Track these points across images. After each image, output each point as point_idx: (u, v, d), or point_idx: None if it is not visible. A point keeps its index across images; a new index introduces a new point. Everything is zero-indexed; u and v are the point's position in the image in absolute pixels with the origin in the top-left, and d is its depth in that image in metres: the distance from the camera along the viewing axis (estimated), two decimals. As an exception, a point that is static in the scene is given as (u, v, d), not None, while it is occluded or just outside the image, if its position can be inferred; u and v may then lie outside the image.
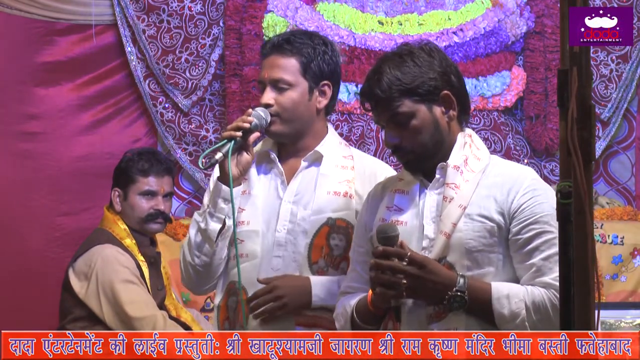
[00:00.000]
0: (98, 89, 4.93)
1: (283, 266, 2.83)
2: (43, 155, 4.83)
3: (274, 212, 2.85)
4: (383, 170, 2.95)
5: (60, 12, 4.87)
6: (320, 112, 2.91)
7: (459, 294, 2.44)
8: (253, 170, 2.89)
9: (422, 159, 2.57)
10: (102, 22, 4.92)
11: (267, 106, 2.83)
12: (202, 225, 2.83)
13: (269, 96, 2.85)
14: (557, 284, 2.34)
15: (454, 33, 4.92)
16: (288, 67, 2.86)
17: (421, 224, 2.56)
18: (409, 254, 2.45)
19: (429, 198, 2.58)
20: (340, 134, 4.95)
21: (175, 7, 4.90)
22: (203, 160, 2.78)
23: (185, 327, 3.90)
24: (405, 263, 2.44)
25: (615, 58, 5.01)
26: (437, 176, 2.58)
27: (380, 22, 4.95)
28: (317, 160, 2.90)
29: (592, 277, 1.82)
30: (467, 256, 2.50)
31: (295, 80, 2.86)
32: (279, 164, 2.89)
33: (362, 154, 3.07)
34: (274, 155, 2.89)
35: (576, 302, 1.83)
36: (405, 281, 2.43)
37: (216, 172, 2.89)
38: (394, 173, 2.92)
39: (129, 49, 4.91)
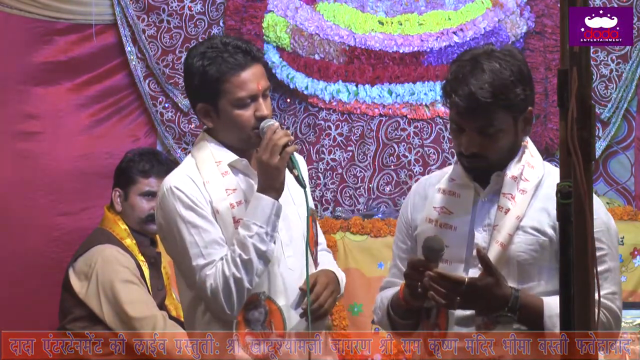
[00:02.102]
0: (98, 88, 4.93)
1: (297, 263, 2.86)
2: (42, 155, 4.83)
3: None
4: (301, 159, 3.04)
5: (60, 11, 4.87)
6: None
7: (509, 315, 2.46)
8: (235, 179, 2.86)
9: (490, 169, 2.57)
10: (102, 22, 4.92)
11: (266, 117, 2.84)
12: (262, 247, 2.74)
13: (267, 106, 2.85)
14: (607, 301, 2.38)
15: (454, 33, 4.92)
16: (265, 73, 2.88)
17: (472, 230, 2.56)
18: (466, 281, 2.44)
19: (483, 206, 2.58)
20: (340, 134, 4.96)
21: (175, 7, 4.91)
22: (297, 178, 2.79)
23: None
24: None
25: (615, 58, 5.01)
26: (492, 184, 2.57)
27: (380, 22, 4.95)
28: None
29: (592, 277, 1.81)
30: (518, 269, 2.51)
31: (269, 85, 2.90)
32: (252, 169, 2.88)
33: None
34: (245, 162, 2.87)
35: (576, 302, 1.83)
36: (459, 299, 2.44)
37: (216, 193, 2.83)
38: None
39: (129, 48, 4.91)
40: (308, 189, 2.90)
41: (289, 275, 2.84)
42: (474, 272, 2.51)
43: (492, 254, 2.50)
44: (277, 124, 2.80)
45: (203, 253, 2.78)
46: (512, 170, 2.56)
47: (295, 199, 2.89)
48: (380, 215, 4.77)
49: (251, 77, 2.83)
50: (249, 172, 2.87)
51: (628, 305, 4.52)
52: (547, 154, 4.97)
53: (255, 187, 2.82)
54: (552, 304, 2.47)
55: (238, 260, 2.73)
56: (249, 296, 2.80)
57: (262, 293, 2.82)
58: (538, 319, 2.47)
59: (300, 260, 2.86)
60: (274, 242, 2.76)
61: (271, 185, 2.75)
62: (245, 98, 2.82)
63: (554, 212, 2.51)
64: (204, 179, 2.84)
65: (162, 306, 3.93)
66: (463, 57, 2.57)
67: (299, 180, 2.78)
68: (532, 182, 2.56)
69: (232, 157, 2.86)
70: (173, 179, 2.86)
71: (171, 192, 2.82)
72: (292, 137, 2.78)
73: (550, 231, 2.52)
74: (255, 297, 2.82)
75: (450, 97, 2.52)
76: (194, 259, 2.78)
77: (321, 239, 3.05)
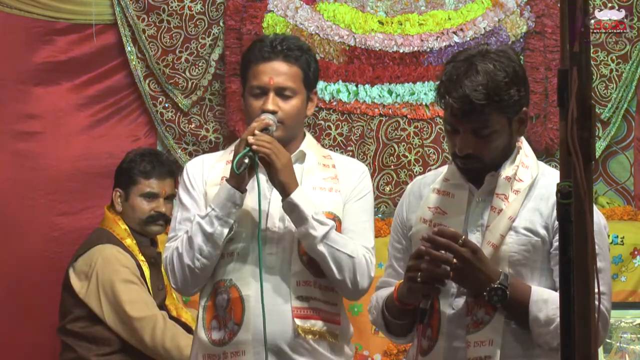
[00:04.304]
0: (98, 88, 4.92)
1: (276, 262, 2.87)
2: (42, 155, 4.82)
3: (262, 210, 2.86)
4: (360, 167, 3.04)
5: (60, 11, 4.87)
6: (306, 118, 3.01)
7: (501, 287, 2.45)
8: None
9: (484, 170, 2.57)
10: (102, 22, 4.92)
11: (272, 113, 2.85)
12: (208, 229, 2.81)
13: (275, 102, 2.86)
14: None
15: (454, 33, 4.92)
16: (293, 75, 2.90)
17: (465, 231, 2.56)
18: (463, 236, 2.46)
19: (476, 206, 2.58)
20: (340, 134, 4.96)
21: (175, 7, 4.90)
22: (236, 165, 2.76)
23: (186, 327, 3.90)
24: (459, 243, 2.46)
25: (615, 58, 5.01)
26: (486, 184, 2.57)
27: (380, 22, 4.95)
28: (300, 159, 2.94)
29: (592, 277, 1.81)
30: (510, 269, 2.51)
31: (298, 89, 2.90)
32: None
33: (338, 154, 3.15)
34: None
35: (576, 302, 1.83)
36: (455, 260, 2.44)
37: (192, 177, 2.95)
38: (366, 168, 2.99)
39: (129, 48, 4.91)
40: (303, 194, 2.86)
41: (264, 271, 2.83)
42: None
43: (485, 254, 2.50)
44: (263, 116, 2.83)
45: (175, 228, 2.93)
46: (506, 170, 2.56)
47: None
48: (380, 216, 4.76)
49: (267, 70, 2.88)
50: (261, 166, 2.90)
51: (628, 305, 4.52)
52: (547, 154, 4.97)
53: (264, 180, 2.86)
54: (538, 291, 2.49)
55: (185, 236, 2.85)
56: (218, 282, 2.86)
57: (229, 280, 2.85)
58: (524, 303, 2.47)
59: (282, 259, 2.86)
60: (229, 228, 2.81)
61: (230, 173, 2.83)
62: (255, 87, 2.89)
63: (546, 212, 2.53)
64: (213, 164, 2.95)
65: (162, 306, 3.93)
66: (457, 57, 2.56)
67: (245, 169, 2.77)
68: (526, 183, 2.56)
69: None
70: (191, 160, 3.07)
71: (183, 170, 3.01)
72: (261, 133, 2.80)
73: (542, 231, 2.53)
74: (222, 283, 2.87)
75: (444, 99, 2.52)
76: (170, 232, 2.95)
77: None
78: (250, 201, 2.87)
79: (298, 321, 2.84)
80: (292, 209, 2.80)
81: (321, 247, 2.80)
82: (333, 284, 2.87)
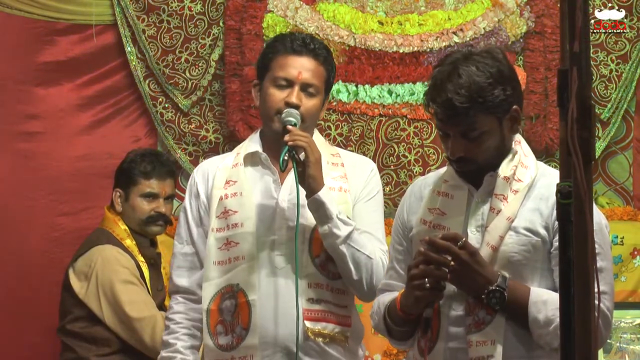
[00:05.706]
0: (98, 89, 4.92)
1: (285, 263, 2.85)
2: (43, 155, 4.83)
3: (269, 212, 2.85)
4: (369, 164, 3.02)
5: (60, 12, 4.87)
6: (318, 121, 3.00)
7: (499, 289, 2.44)
8: (243, 171, 2.87)
9: (481, 171, 2.56)
10: (102, 22, 4.92)
11: (296, 107, 2.84)
12: None
13: (299, 97, 2.85)
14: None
15: (454, 33, 4.92)
16: (320, 74, 2.89)
17: (465, 232, 2.55)
18: (464, 239, 2.46)
19: (475, 207, 2.57)
20: (340, 134, 4.96)
21: (175, 7, 4.91)
22: (282, 164, 2.76)
23: (185, 327, 3.90)
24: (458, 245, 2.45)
25: (615, 58, 5.01)
26: (485, 185, 2.57)
27: (380, 22, 4.95)
28: None
29: (592, 277, 1.81)
30: (510, 269, 2.50)
31: (320, 89, 2.90)
32: (270, 163, 2.90)
33: (346, 152, 3.15)
34: (265, 156, 2.89)
35: (576, 302, 1.83)
36: (452, 262, 2.44)
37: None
38: (375, 165, 3.00)
39: (129, 49, 4.91)
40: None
41: (268, 274, 2.84)
42: None
43: (484, 256, 2.49)
44: (292, 110, 2.82)
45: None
46: (505, 170, 2.55)
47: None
48: (380, 216, 4.76)
49: (295, 64, 2.87)
50: (263, 164, 2.88)
51: (628, 305, 4.53)
52: (547, 154, 4.97)
53: (271, 181, 2.86)
54: (537, 292, 2.48)
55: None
56: (226, 286, 2.86)
57: (236, 285, 2.84)
58: (523, 304, 2.46)
59: (292, 261, 2.85)
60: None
61: None
62: (281, 78, 2.86)
63: (546, 212, 2.52)
64: (220, 166, 2.93)
65: (161, 307, 3.93)
66: (444, 62, 2.56)
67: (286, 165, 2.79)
68: (525, 183, 2.55)
69: (253, 148, 2.88)
70: (201, 163, 3.06)
71: (192, 175, 3.02)
72: (296, 141, 2.78)
73: (542, 231, 2.52)
74: (230, 288, 2.85)
75: (429, 105, 2.53)
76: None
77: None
78: (254, 203, 2.86)
79: (308, 323, 2.84)
80: (318, 207, 2.78)
81: (343, 247, 2.80)
82: (348, 284, 2.87)
